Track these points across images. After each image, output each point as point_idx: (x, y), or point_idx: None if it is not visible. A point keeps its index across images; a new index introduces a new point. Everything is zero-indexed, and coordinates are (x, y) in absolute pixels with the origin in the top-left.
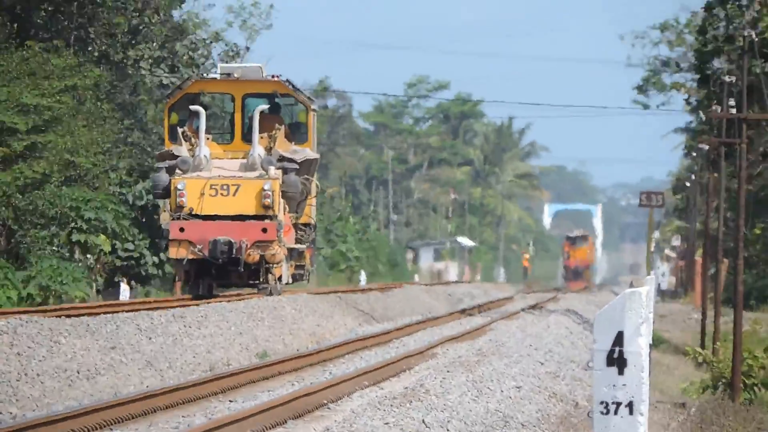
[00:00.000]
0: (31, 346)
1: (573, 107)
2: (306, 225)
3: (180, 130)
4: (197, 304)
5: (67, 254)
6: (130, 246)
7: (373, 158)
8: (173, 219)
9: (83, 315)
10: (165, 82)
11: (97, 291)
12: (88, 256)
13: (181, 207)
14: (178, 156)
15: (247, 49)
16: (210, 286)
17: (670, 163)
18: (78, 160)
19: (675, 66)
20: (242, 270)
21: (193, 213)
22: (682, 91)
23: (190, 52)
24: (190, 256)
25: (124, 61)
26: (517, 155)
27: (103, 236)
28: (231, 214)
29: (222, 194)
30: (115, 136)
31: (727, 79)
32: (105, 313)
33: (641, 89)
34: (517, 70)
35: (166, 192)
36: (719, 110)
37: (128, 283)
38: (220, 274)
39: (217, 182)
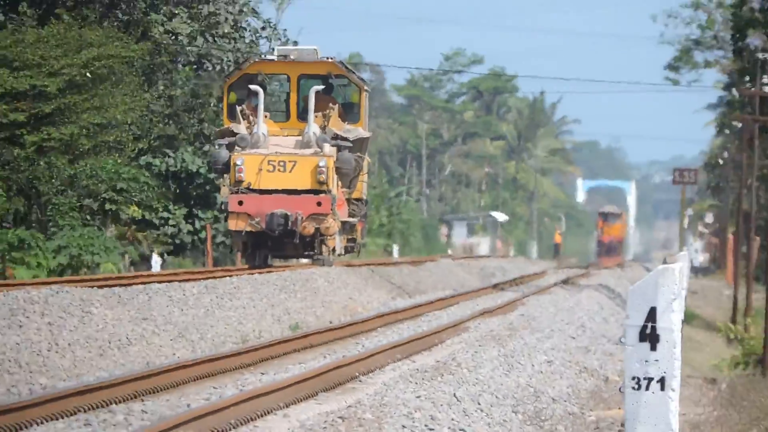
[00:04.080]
0: (62, 316)
1: (605, 83)
2: (358, 200)
3: (239, 109)
4: (230, 275)
5: (98, 226)
6: (165, 215)
7: (408, 133)
8: (232, 193)
9: (115, 286)
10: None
11: (131, 263)
12: (115, 225)
13: (239, 182)
14: (236, 133)
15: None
16: (266, 257)
17: (701, 141)
18: (106, 121)
19: (709, 41)
20: (297, 242)
21: (251, 187)
22: (717, 68)
23: (227, 14)
24: (248, 229)
25: (150, 32)
26: (551, 132)
27: (133, 207)
28: (287, 188)
29: (279, 170)
30: (146, 105)
31: (761, 56)
32: (137, 284)
33: (672, 67)
34: (552, 44)
35: (226, 167)
36: (752, 88)
37: (160, 255)
38: (276, 245)
39: (275, 158)
